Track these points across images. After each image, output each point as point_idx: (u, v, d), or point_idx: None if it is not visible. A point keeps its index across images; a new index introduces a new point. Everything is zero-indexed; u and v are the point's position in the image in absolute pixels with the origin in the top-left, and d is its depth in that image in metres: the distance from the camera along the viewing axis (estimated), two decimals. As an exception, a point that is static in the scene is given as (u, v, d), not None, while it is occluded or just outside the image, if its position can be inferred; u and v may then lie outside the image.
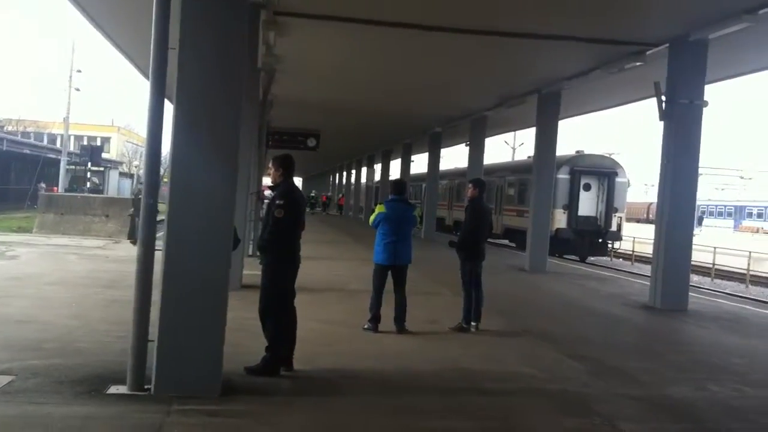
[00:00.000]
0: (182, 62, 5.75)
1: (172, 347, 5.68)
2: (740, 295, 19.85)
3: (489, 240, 10.44)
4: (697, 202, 17.66)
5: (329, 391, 6.45)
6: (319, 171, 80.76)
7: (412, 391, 6.63)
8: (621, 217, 27.69)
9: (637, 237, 31.43)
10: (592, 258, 27.68)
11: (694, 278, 22.30)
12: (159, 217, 6.03)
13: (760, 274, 26.89)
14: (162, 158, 6.31)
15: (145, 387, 5.70)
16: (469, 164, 26.93)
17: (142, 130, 63.81)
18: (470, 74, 18.64)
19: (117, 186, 65.59)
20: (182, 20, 5.74)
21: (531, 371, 7.61)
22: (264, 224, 7.05)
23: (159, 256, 5.75)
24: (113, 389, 5.73)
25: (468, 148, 27.09)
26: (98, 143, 67.52)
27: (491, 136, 31.83)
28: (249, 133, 12.84)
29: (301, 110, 26.61)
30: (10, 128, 63.87)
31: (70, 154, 49.57)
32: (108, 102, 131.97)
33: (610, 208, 27.10)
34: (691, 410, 6.50)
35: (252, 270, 11.05)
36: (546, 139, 19.52)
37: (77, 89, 49.22)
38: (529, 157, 29.36)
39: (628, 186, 29.64)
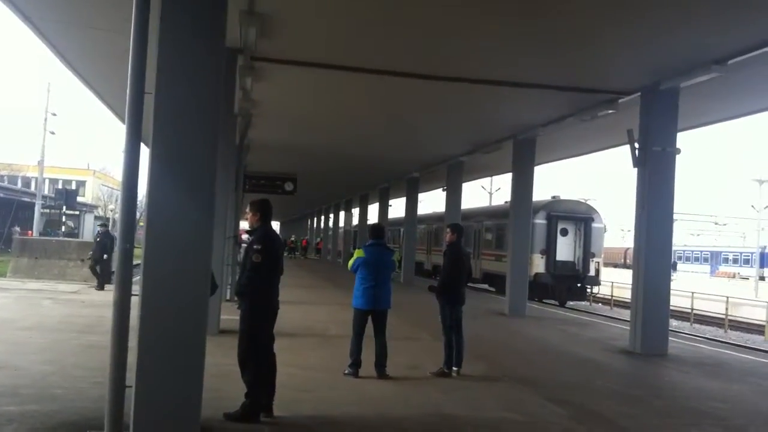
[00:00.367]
0: (158, 106, 5.75)
1: (149, 393, 5.58)
2: (720, 339, 20.00)
3: (468, 284, 10.45)
4: (673, 248, 17.82)
5: (310, 437, 6.36)
6: (297, 215, 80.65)
7: (393, 437, 6.56)
8: (599, 262, 27.87)
9: (616, 282, 31.62)
10: (571, 303, 27.75)
11: (674, 323, 22.42)
12: (135, 262, 5.98)
13: (738, 318, 27.10)
14: (138, 202, 6.26)
15: (123, 434, 5.58)
16: (446, 209, 27.05)
17: (117, 174, 63.61)
18: (445, 120, 18.84)
19: (92, 230, 65.00)
20: (159, 65, 5.76)
21: (513, 416, 7.57)
22: (242, 269, 7.02)
23: (136, 300, 5.69)
24: (90, 436, 5.61)
25: (445, 193, 27.24)
26: (73, 187, 67.11)
27: (468, 181, 32.11)
28: (226, 177, 12.83)
29: (278, 154, 26.68)
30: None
31: (44, 197, 49.24)
32: (83, 145, 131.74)
33: (587, 253, 27.27)
34: (673, 455, 6.48)
35: (230, 315, 10.96)
36: (522, 185, 19.69)
37: (52, 132, 49.07)
38: (506, 202, 29.55)
39: (605, 231, 29.88)
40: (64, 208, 49.54)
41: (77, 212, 59.83)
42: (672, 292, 13.66)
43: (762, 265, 53.04)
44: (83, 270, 20.97)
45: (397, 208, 43.83)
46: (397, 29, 11.30)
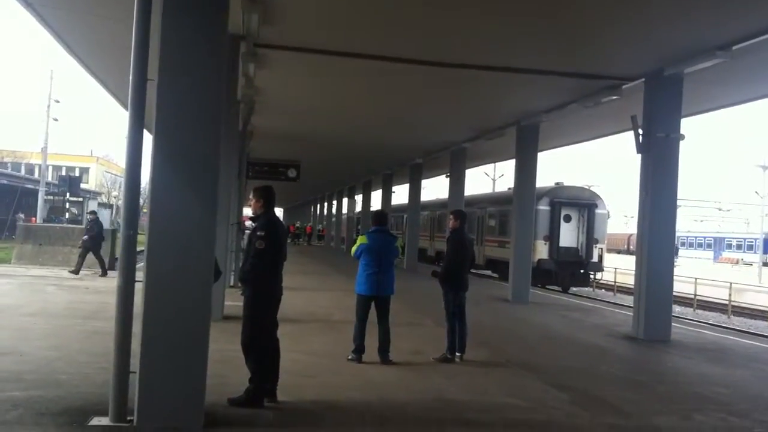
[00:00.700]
0: (161, 93, 5.75)
1: (154, 379, 5.62)
2: (723, 325, 20.00)
3: (471, 271, 10.45)
4: (677, 234, 17.81)
5: (313, 422, 6.40)
6: (300, 202, 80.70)
7: (396, 422, 6.60)
8: (602, 248, 27.86)
9: (619, 268, 31.61)
10: (574, 289, 27.78)
11: (677, 309, 22.45)
12: (139, 248, 5.99)
13: (741, 304, 27.10)
14: (141, 189, 6.27)
15: (128, 419, 5.62)
16: (449, 195, 27.05)
17: (121, 161, 63.71)
18: (448, 107, 18.79)
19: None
20: (161, 51, 5.75)
21: (515, 402, 7.59)
22: (245, 255, 7.03)
23: (139, 287, 5.70)
24: (95, 421, 5.65)
25: (448, 179, 27.22)
26: (77, 174, 67.04)
27: (471, 167, 32.05)
28: (229, 164, 12.84)
29: (281, 141, 26.66)
30: (-14, 159, 63.45)
31: (48, 184, 49.21)
32: (87, 132, 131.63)
33: (590, 239, 27.27)
34: (676, 440, 6.50)
35: (234, 301, 10.96)
36: (526, 171, 19.65)
37: (55, 119, 48.98)
38: (509, 188, 29.54)
39: (608, 217, 29.85)
40: (68, 195, 49.44)
41: (80, 199, 59.77)
42: (675, 278, 13.66)
43: (765, 251, 52.97)
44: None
45: (401, 194, 43.78)
46: (400, 15, 11.26)
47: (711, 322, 21.49)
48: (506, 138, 20.59)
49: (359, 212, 47.06)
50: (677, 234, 18.43)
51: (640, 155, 13.34)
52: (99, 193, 74.38)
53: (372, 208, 40.52)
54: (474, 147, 24.77)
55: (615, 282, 32.08)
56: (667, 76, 12.81)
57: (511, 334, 13.26)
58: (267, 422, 6.21)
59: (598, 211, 27.66)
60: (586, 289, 29.79)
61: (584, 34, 11.69)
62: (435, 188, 54.85)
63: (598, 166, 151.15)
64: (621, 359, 11.33)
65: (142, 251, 5.82)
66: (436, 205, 38.23)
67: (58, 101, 49.17)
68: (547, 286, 26.36)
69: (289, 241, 18.63)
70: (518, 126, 19.41)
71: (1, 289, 14.99)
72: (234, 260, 15.84)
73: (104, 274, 18.88)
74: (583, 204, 27.67)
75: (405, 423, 6.61)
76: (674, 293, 13.94)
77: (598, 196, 28.57)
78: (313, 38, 12.65)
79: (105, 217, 66.61)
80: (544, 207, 26.74)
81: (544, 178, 40.77)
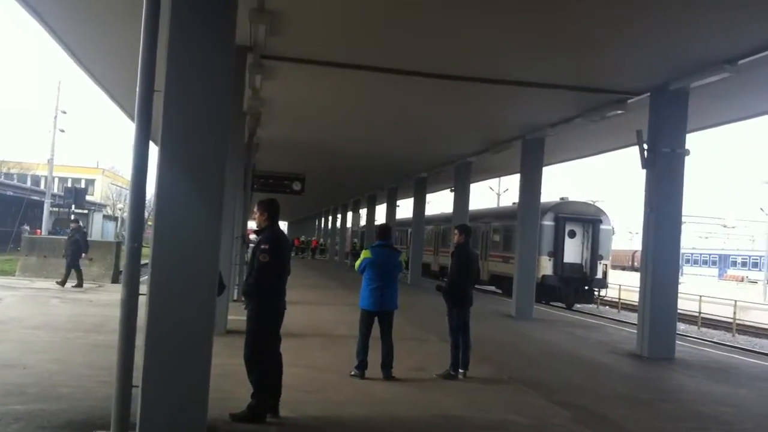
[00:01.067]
0: (168, 105, 5.76)
1: (156, 393, 5.59)
2: (727, 343, 19.91)
3: (475, 286, 10.43)
4: (682, 251, 17.74)
5: (315, 438, 6.37)
6: (305, 215, 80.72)
7: (399, 439, 6.56)
8: (606, 265, 27.75)
9: (623, 284, 31.51)
10: (578, 305, 27.67)
11: (681, 326, 22.37)
12: (143, 261, 5.99)
13: (746, 323, 26.97)
14: (147, 201, 6.27)
15: (129, 433, 5.60)
16: (454, 210, 27.02)
17: (126, 173, 63.90)
18: (454, 120, 18.83)
19: (101, 229, 65.27)
20: (168, 63, 5.76)
21: (518, 419, 7.55)
22: (249, 269, 7.02)
23: (143, 300, 5.70)
24: (97, 435, 5.63)
25: (453, 193, 27.22)
26: (82, 185, 67.19)
27: (476, 181, 32.03)
28: (234, 177, 12.84)
29: (286, 153, 26.71)
30: (-7, 170, 63.67)
31: (53, 196, 49.34)
32: (93, 144, 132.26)
33: (595, 256, 27.16)
34: (680, 459, 6.45)
35: (237, 315, 10.94)
36: (530, 186, 19.64)
37: (62, 130, 49.08)
38: (513, 203, 29.50)
39: (613, 233, 29.77)
40: (73, 206, 49.59)
41: (86, 211, 59.96)
42: (680, 295, 13.61)
43: (771, 269, 52.71)
44: (91, 269, 21.04)
45: (405, 208, 43.85)
46: (406, 28, 11.31)
47: (715, 340, 21.40)
48: (511, 152, 20.58)
49: (363, 226, 47.09)
50: (682, 251, 18.29)
51: (645, 170, 13.33)
52: (104, 205, 74.66)
53: (376, 222, 40.53)
54: (479, 161, 24.77)
55: (619, 299, 31.96)
56: (673, 90, 12.81)
57: (515, 351, 13.22)
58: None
59: (602, 226, 27.57)
60: (591, 305, 29.68)
61: (590, 47, 11.70)
62: (439, 202, 54.91)
63: (603, 181, 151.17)
64: (625, 377, 11.27)
65: (146, 264, 5.82)
66: (440, 220, 38.20)
67: (64, 112, 49.39)
68: (551, 303, 26.26)
69: (293, 254, 18.62)
70: (523, 140, 19.42)
71: (5, 301, 15.01)
72: (238, 274, 15.83)
73: (63, 283, 18.69)
74: (587, 219, 27.60)
75: (407, 439, 6.57)
76: (679, 311, 13.87)
77: (602, 212, 28.49)
78: (320, 50, 12.70)
79: (110, 230, 66.85)
80: (548, 222, 26.67)
81: (548, 193, 40.94)
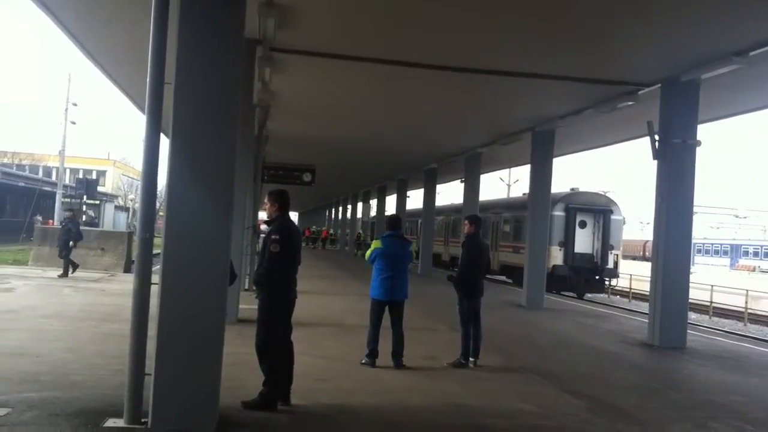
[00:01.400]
0: (178, 97, 5.78)
1: (169, 381, 5.64)
2: (739, 333, 19.83)
3: (486, 276, 10.43)
4: (693, 241, 17.68)
5: (327, 426, 6.42)
6: (315, 206, 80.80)
7: (409, 427, 6.59)
8: (617, 255, 27.67)
9: (634, 274, 31.41)
10: (589, 295, 27.62)
11: (692, 316, 22.28)
12: (155, 251, 6.03)
13: (758, 312, 26.86)
14: (158, 192, 6.30)
15: (142, 420, 5.64)
16: (464, 200, 26.99)
17: (137, 164, 64.06)
18: (464, 112, 18.80)
19: (113, 219, 65.54)
20: (179, 55, 5.78)
21: (529, 408, 7.56)
22: (260, 259, 7.05)
23: (155, 289, 5.73)
24: (110, 422, 5.68)
25: (463, 184, 27.18)
26: (94, 176, 67.53)
27: (486, 172, 31.99)
28: (244, 168, 12.88)
29: (296, 145, 26.73)
30: (5, 161, 63.98)
31: (65, 187, 49.58)
32: (104, 135, 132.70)
33: (606, 246, 27.08)
34: (691, 448, 6.45)
35: (248, 304, 11.00)
36: (541, 177, 19.62)
37: (73, 122, 49.28)
38: (524, 193, 29.44)
39: (624, 223, 29.66)
40: (85, 197, 49.83)
41: (97, 202, 60.25)
42: (691, 284, 13.57)
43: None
44: (103, 259, 21.21)
45: (416, 199, 43.84)
46: (417, 20, 11.28)
47: (727, 329, 21.30)
48: (522, 143, 20.54)
49: (374, 217, 47.14)
50: (693, 241, 18.22)
51: (656, 161, 13.28)
52: (116, 196, 74.94)
53: (387, 213, 40.54)
54: (489, 152, 24.72)
55: (630, 288, 31.86)
56: (684, 81, 12.76)
57: (525, 340, 13.22)
58: (281, 426, 6.22)
59: (613, 217, 27.47)
60: (601, 295, 29.62)
61: (601, 39, 11.66)
62: (450, 193, 54.89)
63: (614, 171, 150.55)
64: (636, 366, 11.26)
65: (158, 254, 5.85)
66: (451, 210, 38.16)
67: (75, 104, 49.57)
68: (562, 293, 26.22)
69: (303, 245, 18.66)
70: (534, 131, 19.37)
71: (19, 290, 15.13)
72: (249, 264, 15.89)
73: (65, 275, 18.59)
74: (598, 210, 27.51)
75: (418, 428, 6.59)
76: (690, 300, 13.84)
77: (613, 202, 28.39)
78: (329, 42, 12.70)
79: (121, 220, 67.12)
80: (559, 213, 26.59)
81: (559, 184, 40.82)
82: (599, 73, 13.56)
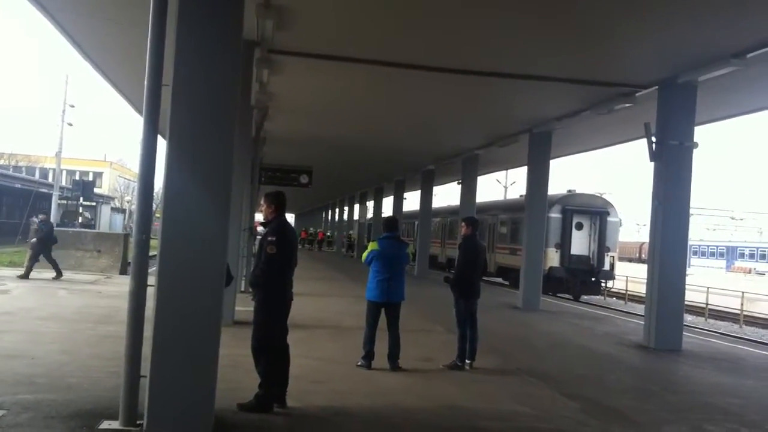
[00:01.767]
0: (176, 99, 5.77)
1: (164, 383, 5.62)
2: (734, 335, 19.86)
3: (483, 278, 10.43)
4: (689, 243, 17.69)
5: (323, 428, 6.41)
6: (312, 207, 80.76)
7: (405, 429, 6.60)
8: (613, 257, 27.70)
9: (631, 276, 31.45)
10: (585, 297, 27.66)
11: (688, 318, 22.32)
12: (151, 253, 6.02)
13: (753, 314, 26.90)
14: (154, 193, 6.29)
15: (138, 423, 5.63)
16: (461, 202, 27.01)
17: (134, 166, 64.05)
18: (461, 113, 18.81)
19: (109, 221, 65.41)
20: (176, 57, 5.76)
21: (526, 410, 7.56)
22: (256, 260, 7.05)
23: (151, 291, 5.72)
24: (105, 425, 5.67)
25: (460, 186, 27.20)
26: (90, 178, 67.37)
27: (483, 174, 32.00)
28: (241, 170, 12.88)
29: (293, 147, 26.73)
30: (2, 162, 63.84)
31: (61, 188, 49.50)
32: (101, 137, 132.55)
33: (602, 247, 27.11)
34: (686, 450, 6.45)
35: (244, 306, 10.99)
36: (538, 178, 19.63)
37: (70, 124, 49.17)
38: (521, 195, 29.46)
39: (620, 225, 29.70)
40: (81, 199, 49.76)
41: (94, 203, 60.12)
42: (687, 286, 13.58)
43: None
44: (99, 261, 21.15)
45: (412, 200, 43.82)
46: (414, 22, 11.29)
47: (723, 331, 21.35)
48: (519, 145, 20.55)
49: (370, 218, 47.16)
50: (689, 243, 18.20)
51: (653, 163, 13.30)
52: (112, 198, 74.79)
53: (383, 214, 40.54)
54: (486, 154, 24.75)
55: (626, 290, 31.91)
56: (681, 83, 12.78)
57: (522, 342, 13.22)
58: (277, 428, 6.21)
59: (610, 218, 27.51)
60: (598, 297, 29.65)
61: (598, 41, 11.67)
62: (447, 195, 54.83)
63: (610, 173, 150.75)
64: (632, 368, 11.27)
65: (154, 256, 5.84)
66: (448, 212, 38.17)
67: (72, 106, 49.48)
68: (558, 294, 26.25)
69: (300, 246, 18.66)
70: (531, 133, 19.38)
71: (14, 292, 15.09)
72: (245, 265, 15.88)
73: (58, 275, 18.33)
74: (595, 212, 27.54)
75: (414, 430, 6.60)
76: (686, 302, 13.85)
77: (610, 204, 28.42)
78: (327, 44, 12.71)
79: (117, 222, 67.02)
80: (555, 214, 26.61)
81: (556, 186, 40.84)
82: (596, 75, 13.58)
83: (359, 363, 9.08)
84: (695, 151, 13.12)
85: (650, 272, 13.42)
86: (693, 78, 12.54)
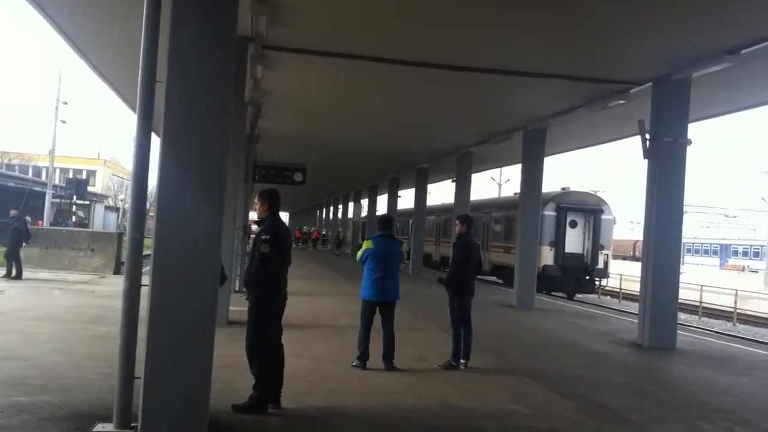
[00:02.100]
0: (169, 95, 5.73)
1: (158, 384, 5.58)
2: (728, 333, 19.92)
3: (477, 276, 10.41)
4: (683, 240, 17.74)
5: (317, 429, 6.40)
6: (306, 206, 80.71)
7: (400, 428, 6.58)
8: (608, 255, 27.72)
9: (625, 274, 31.50)
10: (579, 295, 27.68)
11: (682, 316, 22.36)
12: (145, 252, 5.99)
13: (747, 312, 26.98)
14: (148, 192, 6.26)
15: (132, 425, 5.60)
16: (455, 200, 27.02)
17: (128, 164, 63.81)
18: (455, 110, 18.79)
19: (102, 220, 65.28)
20: (170, 53, 5.72)
21: (520, 409, 7.56)
22: (250, 259, 7.03)
23: (145, 291, 5.69)
24: (99, 427, 5.64)
25: (454, 183, 27.20)
26: (84, 176, 67.28)
27: (477, 172, 32.04)
28: (236, 167, 12.83)
29: (287, 144, 26.70)
30: (-5, 160, 63.65)
31: (55, 187, 49.36)
32: (94, 135, 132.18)
33: (596, 245, 27.12)
34: (681, 449, 6.46)
35: (239, 306, 10.97)
36: (532, 176, 19.63)
37: (63, 121, 49.16)
38: (515, 193, 29.48)
39: (614, 223, 29.74)
40: (75, 197, 49.65)
41: (87, 202, 60.00)
42: (681, 285, 13.61)
43: (772, 258, 52.71)
44: (93, 260, 21.10)
45: (407, 199, 43.90)
46: (407, 18, 11.28)
47: (716, 329, 21.40)
48: (513, 142, 20.57)
49: (365, 216, 47.14)
50: (683, 240, 18.25)
51: (647, 160, 13.31)
52: (106, 196, 74.62)
53: (378, 213, 40.53)
54: (480, 151, 24.77)
55: (620, 289, 31.94)
56: (675, 80, 12.79)
57: (516, 341, 13.23)
58: (272, 429, 6.20)
59: (604, 216, 27.53)
60: (592, 295, 29.68)
61: (592, 37, 11.68)
62: (441, 193, 54.86)
63: (604, 170, 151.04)
64: (626, 367, 11.29)
65: (148, 255, 5.81)
66: (442, 210, 38.18)
67: (66, 103, 49.38)
68: (552, 293, 26.27)
69: (294, 245, 18.62)
70: (525, 130, 19.39)
71: (7, 292, 15.04)
72: (239, 264, 15.84)
73: (7, 275, 17.86)
74: (589, 209, 27.55)
75: (409, 429, 6.59)
76: (680, 300, 13.88)
77: (604, 202, 28.44)
78: (321, 41, 12.69)
79: (111, 221, 66.85)
80: (549, 212, 26.61)
81: (550, 183, 40.91)
82: (591, 72, 13.59)
83: (354, 363, 9.06)
84: (689, 148, 13.14)
85: (644, 270, 13.43)
86: (687, 75, 12.55)
